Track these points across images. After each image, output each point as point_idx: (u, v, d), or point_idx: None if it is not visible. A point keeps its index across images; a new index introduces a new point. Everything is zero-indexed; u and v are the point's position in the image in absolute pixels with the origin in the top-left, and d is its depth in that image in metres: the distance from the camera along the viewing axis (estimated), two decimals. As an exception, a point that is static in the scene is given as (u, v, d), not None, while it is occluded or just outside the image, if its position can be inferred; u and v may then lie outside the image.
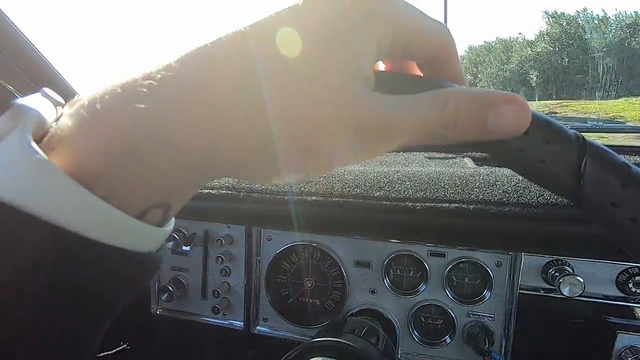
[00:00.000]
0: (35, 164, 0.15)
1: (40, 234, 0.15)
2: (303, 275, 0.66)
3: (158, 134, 0.17)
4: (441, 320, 0.60)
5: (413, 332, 0.61)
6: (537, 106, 12.52)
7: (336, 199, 0.56)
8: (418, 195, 0.54)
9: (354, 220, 0.56)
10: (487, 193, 0.53)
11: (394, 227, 0.55)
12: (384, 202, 0.54)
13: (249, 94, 0.17)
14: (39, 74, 0.59)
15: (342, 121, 0.18)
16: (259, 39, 0.17)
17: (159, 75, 0.17)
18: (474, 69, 21.46)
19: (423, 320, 0.61)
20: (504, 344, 0.58)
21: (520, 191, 0.52)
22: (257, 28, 0.18)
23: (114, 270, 0.17)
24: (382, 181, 0.58)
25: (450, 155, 0.87)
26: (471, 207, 0.51)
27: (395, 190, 0.56)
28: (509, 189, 0.53)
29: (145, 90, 0.17)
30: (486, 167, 0.69)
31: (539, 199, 0.50)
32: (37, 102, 0.18)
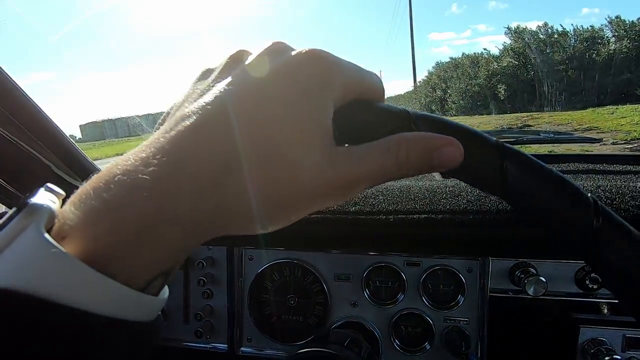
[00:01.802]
0: (53, 255, 0.17)
1: (59, 317, 0.17)
2: (285, 293, 0.69)
3: (163, 215, 0.19)
4: (420, 328, 0.65)
5: (394, 341, 0.65)
6: (509, 119, 13.08)
7: (314, 215, 0.60)
8: (391, 208, 0.60)
9: (331, 234, 0.60)
10: (453, 203, 0.59)
11: (371, 239, 0.60)
12: (360, 216, 0.59)
13: (235, 166, 0.20)
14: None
15: (314, 183, 0.22)
16: (238, 113, 0.21)
17: (155, 161, 0.19)
18: (443, 84, 22.20)
19: (403, 328, 0.65)
20: (479, 346, 0.62)
21: (482, 200, 0.59)
22: (236, 100, 0.21)
23: (120, 342, 0.20)
24: (356, 196, 0.63)
25: None
26: (439, 216, 0.57)
27: (370, 204, 0.61)
28: (472, 198, 0.59)
29: (147, 177, 0.19)
30: (452, 179, 0.76)
31: (498, 206, 0.57)
32: (44, 198, 0.21)
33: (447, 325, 0.63)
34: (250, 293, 0.69)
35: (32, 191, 0.22)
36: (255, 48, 0.25)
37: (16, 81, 0.58)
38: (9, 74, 0.58)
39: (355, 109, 0.25)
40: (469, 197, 0.60)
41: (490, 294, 0.62)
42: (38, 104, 0.60)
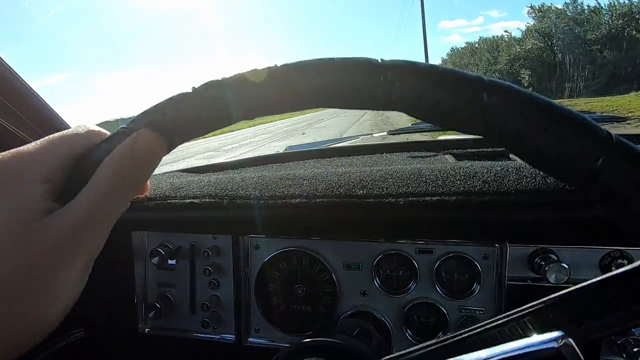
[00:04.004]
0: None
1: None
2: (293, 282, 0.70)
3: None
4: (433, 318, 0.64)
5: (406, 331, 0.64)
6: None
7: (320, 199, 0.60)
8: (400, 190, 0.59)
9: (338, 220, 0.60)
10: (468, 184, 0.58)
11: (380, 224, 0.59)
12: (367, 200, 0.59)
13: None
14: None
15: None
16: None
17: None
18: None
19: (415, 318, 0.65)
20: None
21: (500, 180, 0.57)
22: None
23: None
24: (365, 180, 0.63)
25: (431, 154, 0.92)
26: (453, 198, 0.56)
27: (378, 188, 0.60)
28: (489, 179, 0.58)
29: None
30: (466, 161, 0.74)
31: (517, 187, 0.55)
32: None
33: (462, 316, 0.63)
34: (257, 283, 0.70)
35: None
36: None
37: (27, 81, 0.60)
38: (10, 65, 0.59)
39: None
40: (485, 178, 0.58)
41: (508, 282, 0.61)
42: (43, 98, 0.61)
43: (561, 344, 0.23)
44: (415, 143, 1.00)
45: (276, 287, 0.71)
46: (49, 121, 0.64)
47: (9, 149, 0.27)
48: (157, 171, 0.94)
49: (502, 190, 0.55)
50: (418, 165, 0.69)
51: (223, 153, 11.70)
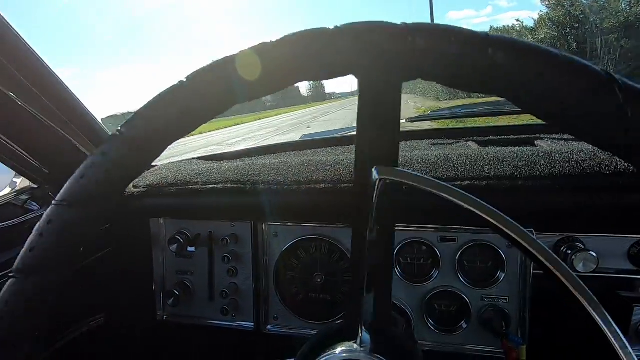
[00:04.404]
0: None
1: None
2: (312, 271, 0.70)
3: None
4: (455, 306, 0.64)
5: (427, 320, 0.64)
6: None
7: (345, 185, 0.59)
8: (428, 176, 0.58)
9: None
10: (499, 169, 0.57)
11: (402, 210, 0.58)
12: None
13: None
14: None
15: None
16: None
17: None
18: None
19: (437, 307, 0.64)
20: (520, 326, 0.61)
21: (532, 165, 0.56)
22: None
23: None
24: None
25: (452, 141, 0.91)
26: (483, 183, 0.55)
27: None
28: (520, 164, 0.57)
29: None
30: (491, 147, 0.73)
31: (550, 171, 0.54)
32: None
33: (485, 305, 0.62)
34: (275, 271, 0.70)
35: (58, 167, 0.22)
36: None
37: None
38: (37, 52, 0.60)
39: None
40: (515, 163, 0.57)
41: (534, 272, 0.60)
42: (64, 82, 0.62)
43: None
44: (435, 131, 0.98)
45: (295, 275, 0.71)
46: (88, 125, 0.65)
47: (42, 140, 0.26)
48: (175, 158, 0.94)
49: (534, 174, 0.54)
50: (442, 152, 0.68)
51: (226, 147, 11.73)
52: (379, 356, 0.31)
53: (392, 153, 0.31)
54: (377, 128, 0.31)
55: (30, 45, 0.58)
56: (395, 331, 0.38)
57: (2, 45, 0.56)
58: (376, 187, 0.30)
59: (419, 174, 0.29)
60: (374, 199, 0.30)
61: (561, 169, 0.54)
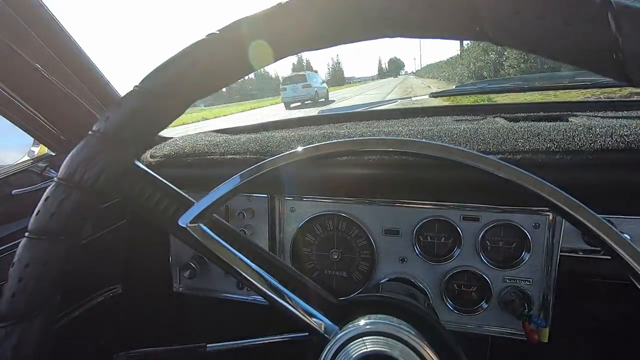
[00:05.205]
0: None
1: None
2: (329, 247, 0.69)
3: None
4: (475, 287, 0.63)
5: (447, 300, 0.63)
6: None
7: (369, 157, 0.58)
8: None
9: (387, 178, 0.57)
10: (534, 143, 0.54)
11: (423, 185, 0.57)
12: (411, 158, 0.56)
13: None
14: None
15: None
16: None
17: None
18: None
19: (457, 287, 0.64)
20: (543, 309, 0.60)
21: (570, 140, 0.53)
22: None
23: None
24: (416, 137, 0.60)
25: (479, 117, 0.88)
26: (518, 157, 0.52)
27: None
28: (557, 137, 0.54)
29: None
30: (524, 121, 0.70)
31: (591, 145, 0.51)
32: None
33: (507, 286, 0.61)
34: (292, 246, 0.70)
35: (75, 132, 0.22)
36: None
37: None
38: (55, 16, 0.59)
39: None
40: (552, 137, 0.54)
41: (561, 254, 0.58)
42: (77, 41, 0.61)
43: None
44: (460, 107, 0.95)
45: (311, 251, 0.70)
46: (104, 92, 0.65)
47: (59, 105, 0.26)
48: (192, 130, 0.93)
49: (574, 149, 0.51)
50: (471, 126, 0.66)
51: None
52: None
53: None
54: None
55: (54, 15, 0.58)
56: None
57: (28, 16, 0.55)
58: None
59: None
60: None
61: (603, 143, 0.51)
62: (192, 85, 0.31)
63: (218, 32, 0.29)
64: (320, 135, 0.67)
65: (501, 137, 0.56)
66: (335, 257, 0.69)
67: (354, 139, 0.35)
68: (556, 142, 0.53)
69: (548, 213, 0.58)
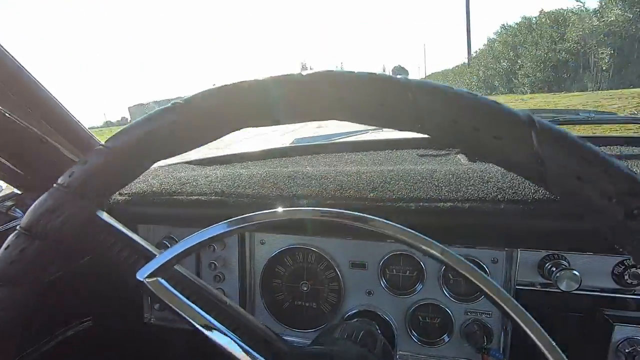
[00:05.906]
0: None
1: None
2: (298, 279, 0.71)
3: None
4: (439, 319, 0.65)
5: (411, 332, 0.66)
6: (619, 96, 7.84)
7: (329, 201, 0.60)
8: (412, 195, 0.59)
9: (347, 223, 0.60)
10: (482, 190, 0.57)
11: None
12: (378, 203, 0.59)
13: None
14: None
15: None
16: None
17: None
18: (511, 52, 16.55)
19: (421, 319, 0.66)
20: (502, 341, 0.62)
21: (515, 188, 0.57)
22: None
23: None
24: (375, 181, 0.63)
25: (442, 152, 0.91)
26: (466, 205, 0.56)
27: (389, 191, 0.60)
28: (504, 185, 0.58)
29: None
30: (480, 163, 0.74)
31: (534, 195, 0.55)
32: None
33: (468, 318, 0.63)
34: (262, 278, 0.71)
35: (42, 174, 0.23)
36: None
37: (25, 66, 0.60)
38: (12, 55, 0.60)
39: None
40: (499, 185, 0.58)
41: (517, 287, 0.61)
42: (42, 84, 0.62)
43: None
44: (426, 140, 0.98)
45: (281, 283, 0.72)
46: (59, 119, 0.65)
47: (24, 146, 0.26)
48: (163, 162, 0.94)
49: (517, 199, 0.55)
50: (430, 167, 0.69)
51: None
52: None
53: None
54: None
55: (9, 51, 0.58)
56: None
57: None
58: None
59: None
60: None
61: (544, 193, 0.55)
62: (156, 148, 0.32)
63: (182, 102, 0.30)
64: (286, 175, 0.69)
65: (454, 182, 0.60)
66: (305, 288, 0.71)
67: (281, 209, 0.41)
68: (503, 190, 0.57)
69: (506, 249, 0.61)
